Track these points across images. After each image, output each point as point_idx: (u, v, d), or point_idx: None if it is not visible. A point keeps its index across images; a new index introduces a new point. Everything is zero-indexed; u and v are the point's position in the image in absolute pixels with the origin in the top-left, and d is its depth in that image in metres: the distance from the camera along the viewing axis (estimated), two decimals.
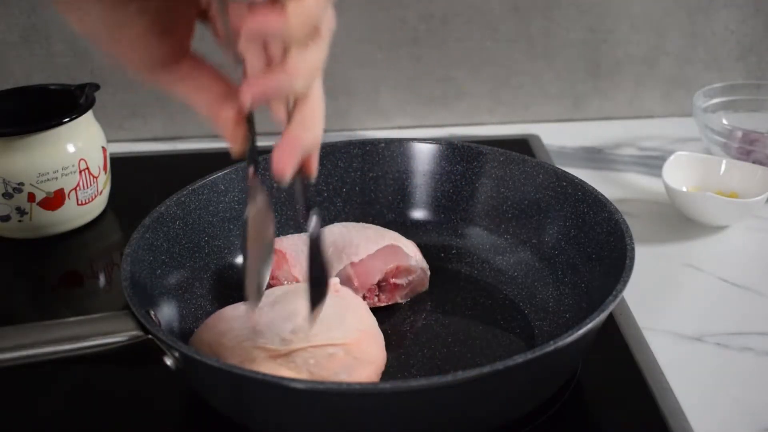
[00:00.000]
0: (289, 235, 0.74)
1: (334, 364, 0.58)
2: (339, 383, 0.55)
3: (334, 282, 0.66)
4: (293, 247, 0.71)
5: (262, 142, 0.47)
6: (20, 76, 1.04)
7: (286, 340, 0.59)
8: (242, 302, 0.65)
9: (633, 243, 0.62)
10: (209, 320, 0.64)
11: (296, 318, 0.61)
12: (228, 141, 0.48)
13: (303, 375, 0.57)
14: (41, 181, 0.82)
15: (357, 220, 0.77)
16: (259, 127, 0.49)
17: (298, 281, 0.70)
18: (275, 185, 0.77)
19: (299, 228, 0.78)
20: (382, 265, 0.70)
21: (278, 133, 0.47)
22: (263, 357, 0.58)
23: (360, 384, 0.54)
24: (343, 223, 0.75)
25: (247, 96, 0.44)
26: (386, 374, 0.61)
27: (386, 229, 0.74)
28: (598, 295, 0.61)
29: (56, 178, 0.82)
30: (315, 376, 0.57)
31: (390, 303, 0.71)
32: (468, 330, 0.68)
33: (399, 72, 1.07)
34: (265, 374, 0.51)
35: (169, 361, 0.56)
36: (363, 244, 0.71)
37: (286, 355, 0.58)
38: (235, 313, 0.63)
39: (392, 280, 0.70)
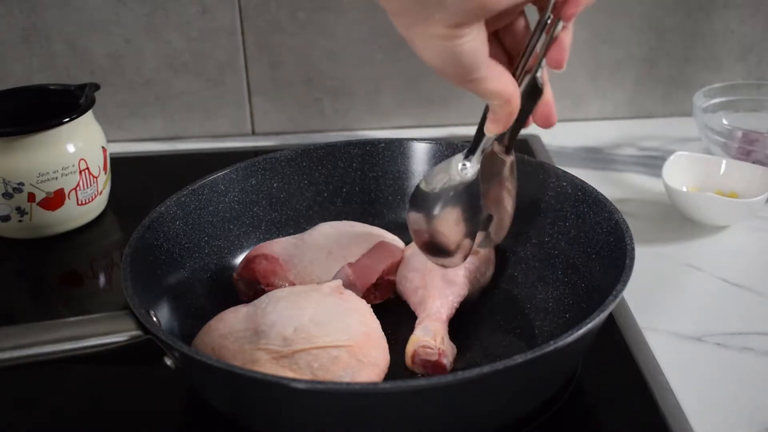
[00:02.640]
0: (279, 239, 0.73)
1: (337, 366, 0.58)
2: (339, 383, 0.55)
3: (337, 284, 0.66)
4: (285, 252, 0.71)
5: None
6: (20, 76, 1.04)
7: (289, 339, 0.59)
8: (243, 305, 0.65)
9: (633, 243, 0.62)
10: (211, 323, 0.64)
11: (299, 318, 0.61)
12: (506, 119, 0.58)
13: (306, 377, 0.57)
14: (41, 181, 0.82)
15: (357, 220, 0.77)
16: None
17: (294, 285, 0.69)
18: (275, 185, 0.78)
19: (299, 228, 0.78)
20: (377, 264, 0.70)
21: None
22: (266, 359, 0.58)
23: (360, 384, 0.54)
24: (330, 223, 0.75)
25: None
26: (387, 374, 0.61)
27: (370, 226, 0.75)
28: (598, 295, 0.61)
29: (56, 178, 0.82)
30: (318, 377, 0.57)
31: (384, 299, 0.71)
32: (468, 330, 0.68)
33: (399, 72, 1.07)
34: (265, 374, 0.51)
35: (169, 361, 0.56)
36: (354, 244, 0.71)
37: (289, 357, 0.58)
38: (236, 315, 0.63)
39: (387, 278, 0.71)
